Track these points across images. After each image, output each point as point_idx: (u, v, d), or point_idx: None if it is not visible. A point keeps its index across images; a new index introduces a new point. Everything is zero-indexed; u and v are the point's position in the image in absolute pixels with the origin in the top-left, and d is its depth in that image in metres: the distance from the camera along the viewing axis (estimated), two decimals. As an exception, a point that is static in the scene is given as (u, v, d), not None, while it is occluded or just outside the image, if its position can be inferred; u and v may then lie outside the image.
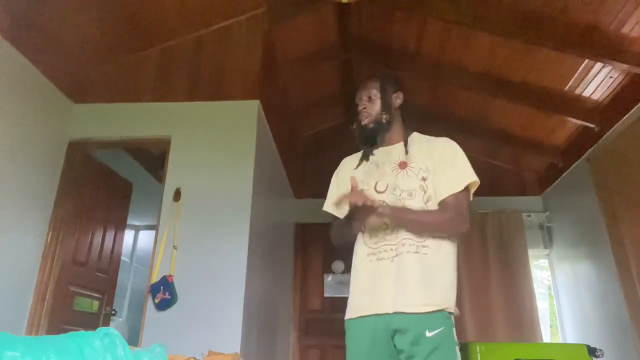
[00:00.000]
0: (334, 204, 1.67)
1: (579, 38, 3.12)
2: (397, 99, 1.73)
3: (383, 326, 1.48)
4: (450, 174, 1.56)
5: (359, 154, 1.78)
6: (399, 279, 1.48)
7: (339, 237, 1.76)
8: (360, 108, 1.72)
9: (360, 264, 1.61)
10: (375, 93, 1.71)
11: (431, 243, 1.52)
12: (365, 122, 1.69)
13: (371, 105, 1.70)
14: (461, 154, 1.61)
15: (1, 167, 2.77)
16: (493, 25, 3.27)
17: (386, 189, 1.60)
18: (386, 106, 1.69)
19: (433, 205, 1.55)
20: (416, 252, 1.50)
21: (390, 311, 1.46)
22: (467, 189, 1.57)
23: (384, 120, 1.67)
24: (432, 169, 1.58)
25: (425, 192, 1.56)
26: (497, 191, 5.13)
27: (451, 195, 1.53)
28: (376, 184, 1.63)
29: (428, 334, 1.40)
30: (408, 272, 1.48)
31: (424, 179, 1.57)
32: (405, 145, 1.65)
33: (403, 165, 1.61)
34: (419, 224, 1.52)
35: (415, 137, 1.70)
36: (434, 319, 1.43)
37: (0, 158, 2.77)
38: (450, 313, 1.47)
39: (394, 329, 1.46)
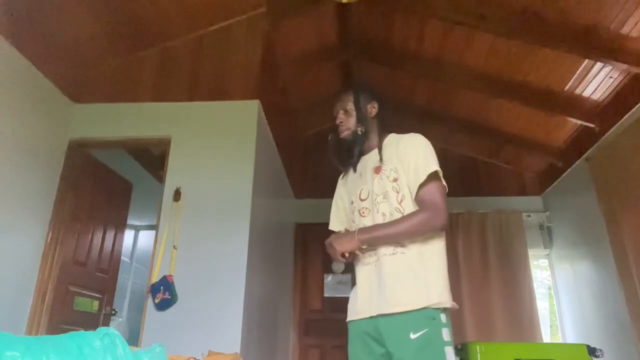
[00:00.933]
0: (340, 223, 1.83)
1: (579, 38, 3.12)
2: (373, 109, 1.77)
3: (372, 329, 1.52)
4: (415, 166, 1.57)
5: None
6: (380, 282, 1.52)
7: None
8: (337, 122, 1.76)
9: (355, 268, 1.69)
10: (351, 106, 1.75)
11: (408, 242, 1.53)
12: (343, 135, 1.75)
13: (348, 119, 1.75)
14: (423, 145, 1.61)
15: (1, 167, 2.78)
16: (493, 25, 3.28)
17: (367, 196, 1.65)
18: (362, 118, 1.74)
19: (407, 204, 1.56)
20: (393, 253, 1.53)
21: (375, 314, 1.51)
22: (439, 179, 1.56)
23: (359, 133, 1.72)
24: (399, 167, 1.60)
25: (398, 192, 1.58)
26: (497, 191, 5.13)
27: (423, 189, 1.53)
28: (360, 192, 1.69)
29: (412, 335, 1.41)
30: (387, 274, 1.51)
31: (395, 180, 1.59)
32: (380, 151, 1.68)
33: (378, 170, 1.65)
34: (392, 236, 1.52)
35: (389, 139, 1.72)
36: (418, 320, 1.43)
37: (0, 158, 2.77)
38: (436, 310, 1.44)
39: (381, 332, 1.49)
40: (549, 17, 3.09)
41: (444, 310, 1.47)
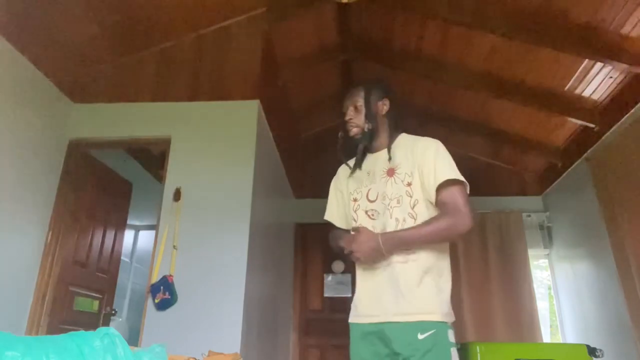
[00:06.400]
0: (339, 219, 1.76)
1: (579, 38, 3.12)
2: (384, 106, 1.71)
3: (380, 332, 1.50)
4: (434, 171, 1.53)
5: (353, 161, 1.76)
6: (391, 289, 1.50)
7: (334, 246, 1.76)
8: (346, 119, 1.69)
9: (359, 269, 1.63)
10: (361, 102, 1.68)
11: (420, 249, 1.50)
12: (352, 133, 1.67)
13: (357, 115, 1.68)
14: (442, 151, 1.58)
15: (1, 166, 2.77)
16: (493, 25, 3.27)
17: (377, 198, 1.60)
18: (370, 115, 1.67)
19: (420, 209, 1.53)
20: (405, 262, 1.50)
21: (384, 320, 1.49)
22: (459, 183, 1.53)
23: (366, 130, 1.66)
24: (415, 171, 1.56)
25: (411, 197, 1.54)
26: (497, 191, 5.13)
27: (443, 192, 1.50)
28: (368, 192, 1.63)
29: (420, 336, 1.41)
30: (399, 282, 1.48)
31: (409, 184, 1.55)
32: (389, 152, 1.63)
33: (391, 172, 1.60)
34: (417, 242, 1.49)
35: (401, 140, 1.68)
36: (426, 323, 1.44)
37: (0, 158, 2.77)
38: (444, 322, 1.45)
39: (386, 334, 1.48)
40: (549, 17, 3.09)
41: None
